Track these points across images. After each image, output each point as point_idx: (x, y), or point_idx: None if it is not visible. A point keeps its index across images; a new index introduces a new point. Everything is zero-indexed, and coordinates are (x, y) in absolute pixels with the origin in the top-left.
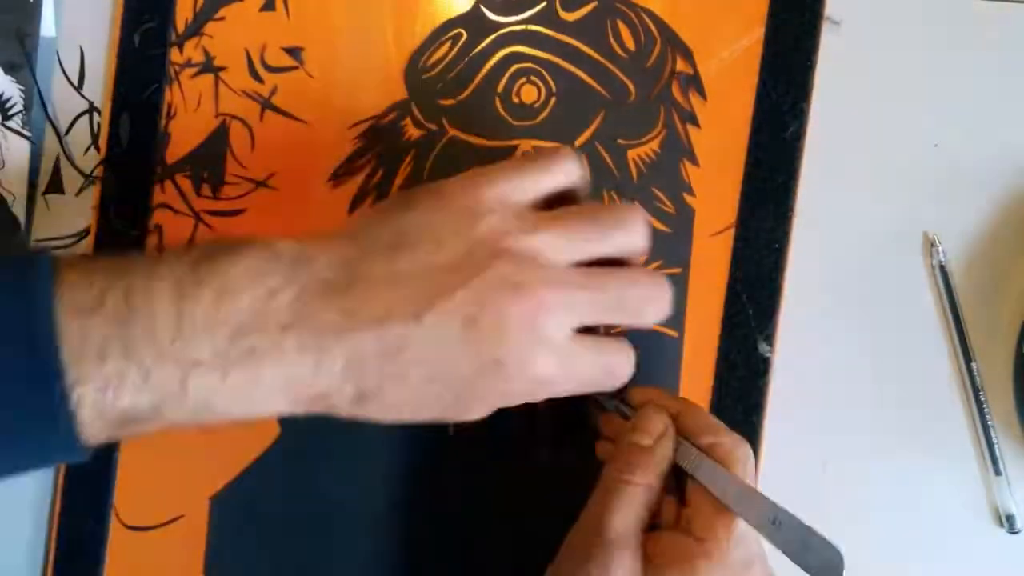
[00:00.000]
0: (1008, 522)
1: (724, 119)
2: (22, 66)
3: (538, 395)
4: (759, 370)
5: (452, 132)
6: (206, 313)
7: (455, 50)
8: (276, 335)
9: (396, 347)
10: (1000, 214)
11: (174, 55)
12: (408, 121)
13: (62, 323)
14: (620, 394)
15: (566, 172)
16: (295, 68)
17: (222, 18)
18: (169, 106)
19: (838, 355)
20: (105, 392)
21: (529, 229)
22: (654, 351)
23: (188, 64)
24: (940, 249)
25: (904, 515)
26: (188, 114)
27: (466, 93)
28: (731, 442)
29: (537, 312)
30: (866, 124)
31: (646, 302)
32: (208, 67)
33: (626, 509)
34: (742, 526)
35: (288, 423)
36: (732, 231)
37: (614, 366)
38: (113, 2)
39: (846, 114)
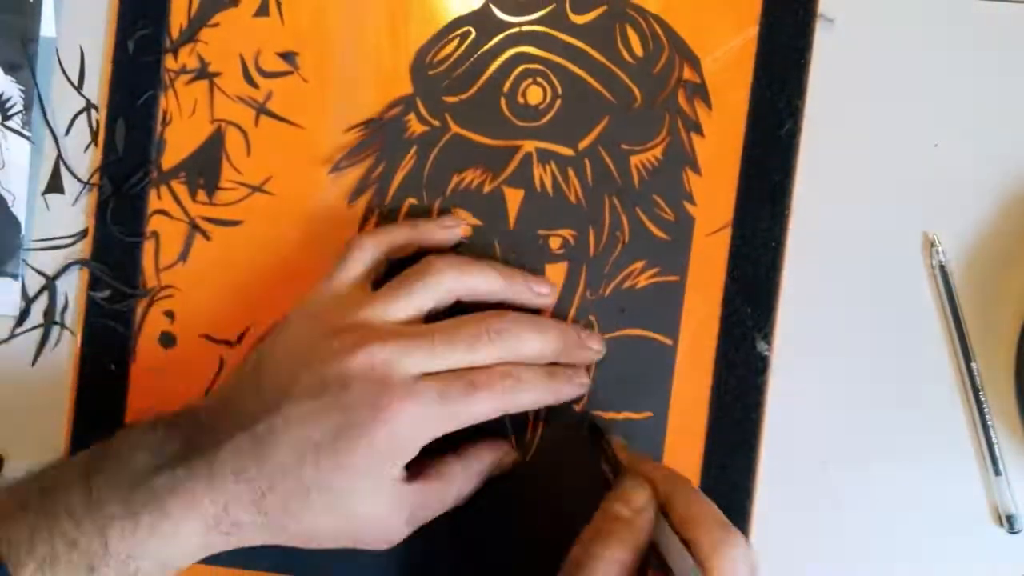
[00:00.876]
0: (1008, 522)
1: (719, 117)
2: (22, 66)
3: (404, 441)
4: (757, 369)
5: (455, 129)
6: (110, 477)
7: (463, 47)
8: (170, 472)
9: (266, 440)
10: (1000, 214)
11: (169, 61)
12: (412, 116)
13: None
14: (606, 452)
15: (437, 291)
16: (290, 73)
17: (216, 24)
18: (164, 112)
19: (837, 354)
20: (41, 571)
21: (350, 307)
22: (647, 358)
23: (183, 70)
24: (940, 249)
25: (904, 515)
26: (183, 120)
27: (471, 91)
28: (709, 545)
29: (372, 360)
30: (865, 124)
31: (478, 336)
32: (203, 73)
33: None
34: None
35: None
36: (729, 230)
37: (477, 383)
38: (109, 7)
39: (845, 114)
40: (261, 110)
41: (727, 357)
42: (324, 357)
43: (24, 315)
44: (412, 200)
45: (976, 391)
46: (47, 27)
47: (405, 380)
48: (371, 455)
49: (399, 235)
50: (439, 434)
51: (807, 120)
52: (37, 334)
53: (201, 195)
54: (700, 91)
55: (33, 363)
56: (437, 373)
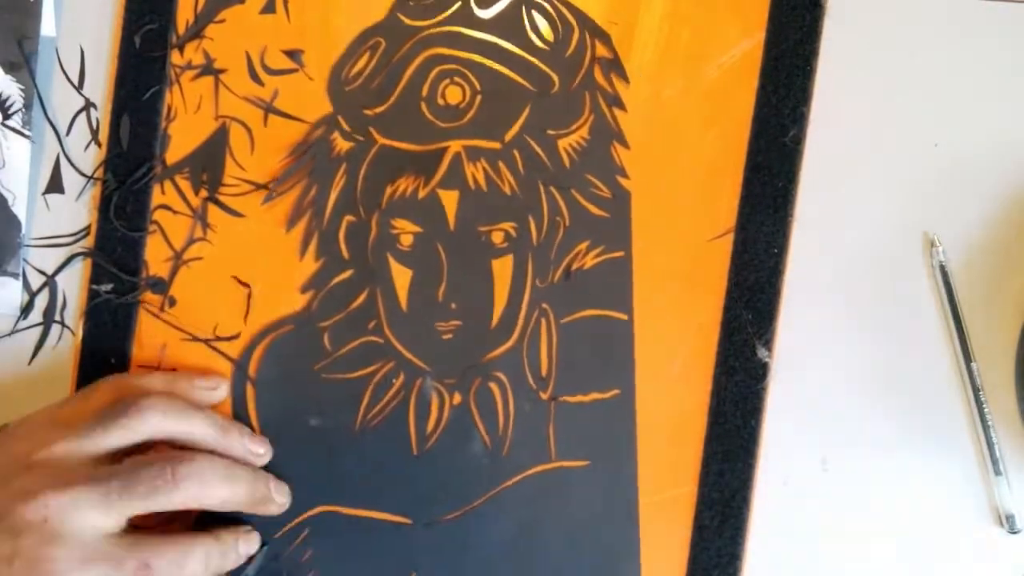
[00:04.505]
0: (1008, 522)
1: (723, 123)
2: (22, 65)
3: None
4: (757, 375)
5: (381, 141)
6: None
7: (375, 59)
8: None
9: None
10: (1000, 214)
11: (175, 57)
12: (336, 134)
13: None
14: None
15: (128, 434)
16: (295, 70)
17: (222, 20)
18: (169, 108)
19: (838, 354)
20: None
21: (54, 439)
22: (605, 336)
23: (188, 66)
24: (940, 249)
25: (904, 515)
26: (188, 116)
27: (391, 100)
28: None
29: (47, 511)
30: (866, 124)
31: (160, 480)
32: (208, 69)
33: None
34: None
35: None
36: (731, 236)
37: (151, 564)
38: (114, 3)
39: (845, 114)
40: (267, 108)
41: (727, 363)
42: (7, 493)
43: (27, 310)
44: (350, 217)
45: (976, 391)
46: (47, 26)
47: (81, 541)
48: None
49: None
50: None
51: (810, 121)
52: (37, 332)
53: (205, 191)
54: (615, 66)
55: (31, 361)
56: (122, 529)
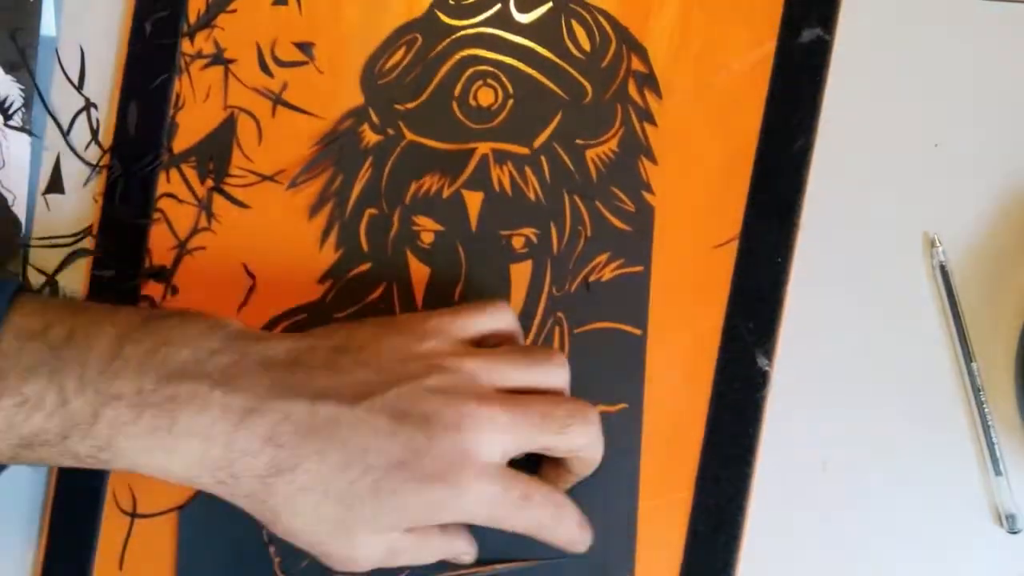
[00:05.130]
0: (1008, 522)
1: (731, 130)
2: (21, 65)
3: (444, 510)
4: (757, 384)
5: (410, 137)
6: (143, 355)
7: (410, 54)
8: (204, 388)
9: (324, 425)
10: (1000, 214)
11: (185, 46)
12: (365, 127)
13: (2, 341)
14: None
15: (500, 318)
16: (305, 63)
17: (234, 10)
18: (178, 96)
19: (838, 355)
20: (20, 409)
21: (462, 354)
22: (617, 349)
23: (198, 55)
24: (940, 249)
25: (904, 515)
26: (197, 105)
27: (423, 97)
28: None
29: (462, 419)
30: (866, 124)
31: (570, 420)
32: (218, 59)
33: None
34: None
35: None
36: (735, 244)
37: (533, 499)
38: None
39: (845, 114)
40: (276, 100)
41: (727, 371)
42: (420, 386)
43: None
44: (372, 211)
45: (976, 391)
46: (47, 26)
47: (484, 458)
48: (408, 504)
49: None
50: (470, 522)
51: None
52: None
53: (211, 180)
54: (649, 80)
55: None
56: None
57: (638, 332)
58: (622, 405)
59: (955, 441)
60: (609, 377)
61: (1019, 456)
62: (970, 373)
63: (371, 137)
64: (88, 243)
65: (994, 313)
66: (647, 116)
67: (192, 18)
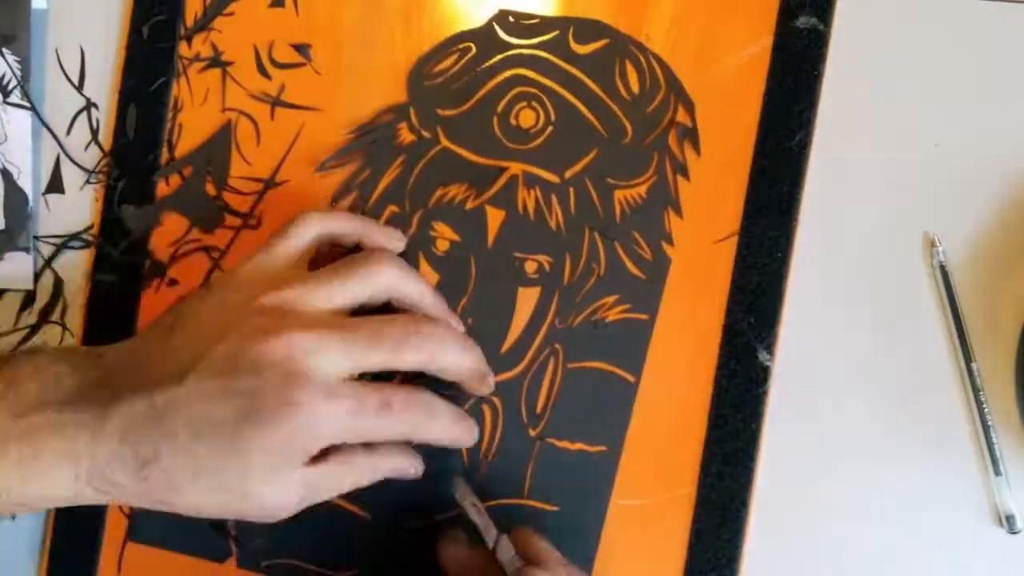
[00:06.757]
0: (1008, 522)
1: (729, 126)
2: (15, 38)
3: (307, 438)
4: (758, 379)
5: (445, 143)
6: None
7: (462, 63)
8: (55, 413)
9: (164, 409)
10: (1000, 214)
11: (182, 49)
12: (404, 125)
13: None
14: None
15: (304, 233)
16: (303, 65)
17: (231, 13)
18: (176, 100)
19: (838, 355)
20: None
21: (281, 285)
22: (608, 392)
23: (196, 58)
24: (940, 249)
25: (904, 515)
26: (195, 108)
27: (465, 107)
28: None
29: (290, 350)
30: (866, 124)
31: (404, 337)
32: (216, 62)
33: None
34: None
35: None
36: (735, 239)
37: (393, 405)
38: None
39: (845, 114)
40: (274, 102)
41: (728, 367)
42: (241, 334)
43: (29, 300)
44: (393, 208)
45: (976, 391)
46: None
47: (321, 379)
48: (271, 446)
49: (345, 224)
50: (340, 442)
51: None
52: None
53: (210, 184)
54: (691, 135)
55: None
56: (353, 378)
57: (631, 379)
58: (601, 447)
59: (955, 441)
60: (594, 417)
61: (1019, 456)
62: (970, 373)
63: (407, 136)
64: (91, 236)
65: (994, 313)
66: (682, 169)
67: (189, 21)
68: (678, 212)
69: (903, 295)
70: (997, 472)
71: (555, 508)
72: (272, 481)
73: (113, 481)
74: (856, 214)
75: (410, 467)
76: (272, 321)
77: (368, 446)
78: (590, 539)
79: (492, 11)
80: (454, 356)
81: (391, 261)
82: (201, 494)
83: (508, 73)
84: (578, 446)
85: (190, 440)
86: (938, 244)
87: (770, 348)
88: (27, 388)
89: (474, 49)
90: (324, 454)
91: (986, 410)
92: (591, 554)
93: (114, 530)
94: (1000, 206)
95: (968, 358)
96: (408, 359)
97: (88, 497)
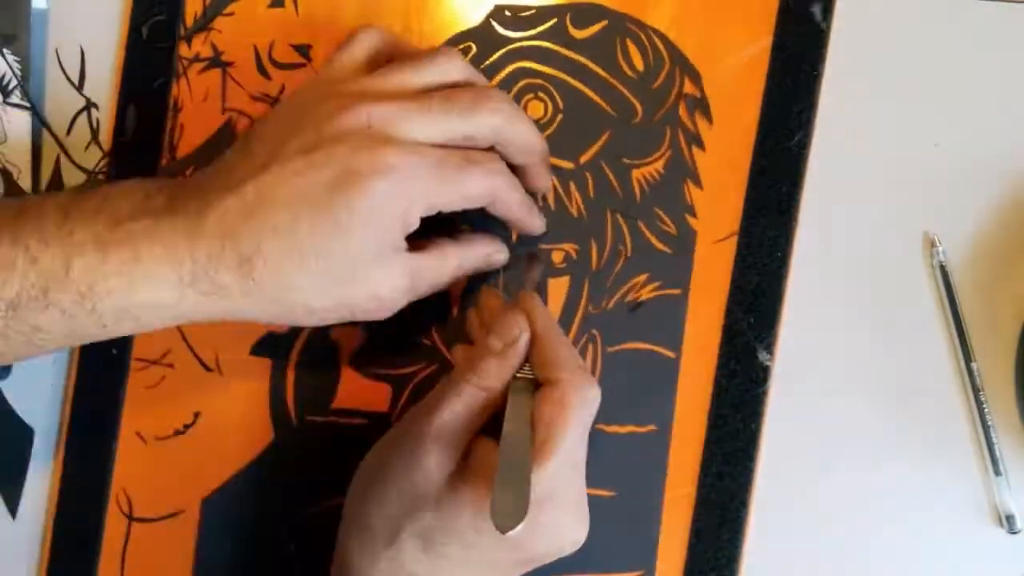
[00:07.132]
0: (1008, 522)
1: (729, 126)
2: (15, 39)
3: (401, 199)
4: (758, 378)
5: None
6: (90, 214)
7: None
8: (151, 221)
9: (256, 200)
10: (1000, 214)
11: (182, 49)
12: None
13: None
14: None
15: (365, 40)
16: (303, 65)
17: (231, 13)
18: (176, 100)
19: (838, 355)
20: None
21: (352, 79)
22: (651, 371)
23: (196, 59)
24: (940, 249)
25: (904, 515)
26: (195, 108)
27: None
28: (567, 383)
29: (370, 118)
30: (866, 124)
31: (475, 101)
32: (216, 62)
33: (454, 407)
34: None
35: (281, 428)
36: (735, 239)
37: (481, 163)
38: None
39: (845, 114)
40: (274, 103)
41: (728, 367)
42: (317, 118)
43: None
44: None
45: (976, 391)
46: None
47: (403, 140)
48: (368, 214)
49: (405, 43)
50: (433, 208)
51: None
52: None
53: None
54: (701, 105)
55: None
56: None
57: (672, 355)
58: (651, 427)
59: (955, 441)
60: (640, 399)
61: (1019, 456)
62: (970, 373)
63: None
64: None
65: (994, 313)
66: (696, 140)
67: (189, 21)
68: (697, 183)
69: (903, 295)
70: (997, 472)
71: (612, 494)
72: (377, 261)
73: (219, 283)
74: (856, 214)
75: (496, 251)
76: (345, 100)
77: (456, 238)
78: (652, 522)
79: (489, 8)
80: (524, 127)
81: (459, 57)
82: (312, 286)
83: (512, 67)
84: (628, 429)
85: (288, 223)
86: (938, 244)
87: (770, 348)
88: (120, 205)
89: (475, 48)
90: (417, 246)
91: (986, 410)
92: (654, 537)
93: (114, 530)
94: (1000, 206)
95: (968, 358)
96: (482, 125)
97: (198, 304)
